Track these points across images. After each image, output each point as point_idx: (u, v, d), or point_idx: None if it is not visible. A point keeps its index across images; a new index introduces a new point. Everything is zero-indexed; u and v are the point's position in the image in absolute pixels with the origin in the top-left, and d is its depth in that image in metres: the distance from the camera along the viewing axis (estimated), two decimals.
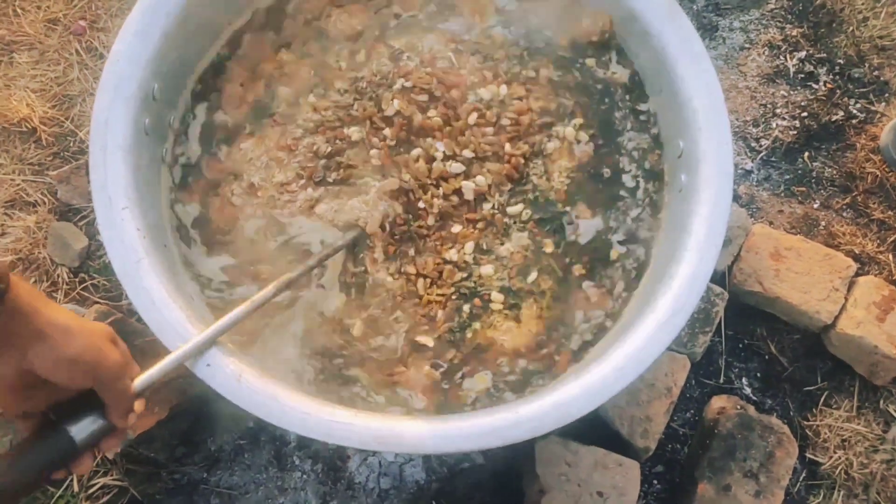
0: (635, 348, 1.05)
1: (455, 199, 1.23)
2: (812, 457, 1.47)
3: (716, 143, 1.15)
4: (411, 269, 1.19)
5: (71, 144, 1.68)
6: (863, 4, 1.86)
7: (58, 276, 1.55)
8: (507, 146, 1.25)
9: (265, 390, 0.97)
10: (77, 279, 1.55)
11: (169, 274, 1.06)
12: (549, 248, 1.22)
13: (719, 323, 1.50)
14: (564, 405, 1.00)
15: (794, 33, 1.84)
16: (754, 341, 1.55)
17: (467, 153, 1.24)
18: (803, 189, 1.70)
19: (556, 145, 1.27)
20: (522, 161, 1.24)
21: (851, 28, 1.83)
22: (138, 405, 0.84)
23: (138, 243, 1.04)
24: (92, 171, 1.07)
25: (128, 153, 1.10)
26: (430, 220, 1.21)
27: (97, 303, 1.49)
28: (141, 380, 0.83)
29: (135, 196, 1.08)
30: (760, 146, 1.74)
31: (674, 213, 1.21)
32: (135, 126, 1.11)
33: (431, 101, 1.27)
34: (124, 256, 1.02)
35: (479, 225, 1.22)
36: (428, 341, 1.15)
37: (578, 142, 1.27)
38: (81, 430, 0.78)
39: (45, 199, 1.61)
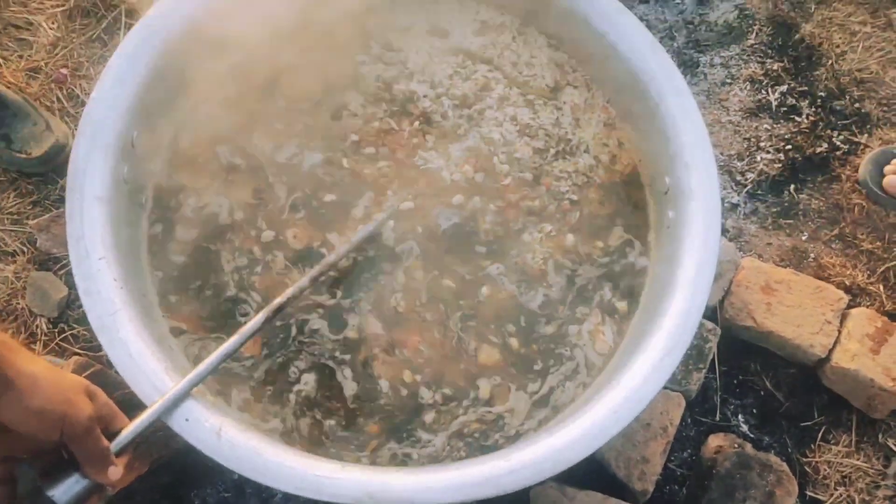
0: (631, 389, 1.02)
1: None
2: (812, 494, 1.43)
3: (702, 178, 1.15)
4: None
5: (51, 192, 1.64)
6: (840, 39, 1.87)
7: (36, 326, 1.50)
8: None
9: (248, 444, 0.93)
10: (56, 330, 1.50)
11: (147, 324, 1.03)
12: None
13: (713, 359, 1.47)
14: (560, 451, 0.97)
15: (775, 67, 1.85)
16: (749, 377, 1.52)
17: None
18: (791, 221, 1.69)
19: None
20: None
21: (831, 62, 1.85)
22: (119, 464, 0.80)
23: (115, 294, 1.01)
24: (69, 222, 1.04)
25: (106, 203, 1.07)
26: None
27: (77, 354, 1.45)
28: (116, 441, 0.79)
29: (112, 245, 1.05)
30: (746, 180, 1.73)
31: (662, 251, 1.20)
32: (113, 175, 1.09)
33: None
34: (100, 308, 0.99)
35: None
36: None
37: None
38: (63, 492, 0.74)
39: (24, 249, 1.57)
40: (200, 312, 1.15)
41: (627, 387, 1.02)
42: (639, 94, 1.23)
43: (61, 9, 1.82)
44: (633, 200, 1.29)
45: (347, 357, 1.14)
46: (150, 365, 0.96)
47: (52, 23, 1.82)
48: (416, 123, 1.29)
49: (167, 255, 1.18)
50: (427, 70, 1.35)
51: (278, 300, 1.02)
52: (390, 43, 1.37)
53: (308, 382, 1.12)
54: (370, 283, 1.19)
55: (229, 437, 0.92)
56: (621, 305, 1.21)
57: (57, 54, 1.79)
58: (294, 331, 1.15)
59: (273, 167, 1.24)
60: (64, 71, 1.76)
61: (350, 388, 1.12)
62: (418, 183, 1.25)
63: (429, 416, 1.11)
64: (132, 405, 0.93)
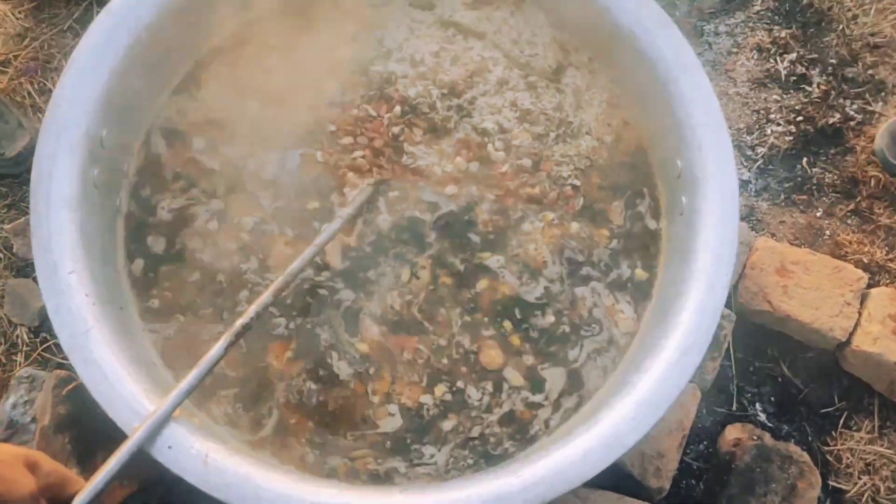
0: (647, 392, 0.94)
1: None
2: (836, 484, 1.37)
3: (717, 160, 1.06)
4: None
5: (27, 194, 1.55)
6: (851, 2, 1.77)
7: (17, 336, 1.43)
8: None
9: (237, 471, 0.86)
10: (38, 339, 1.43)
11: (124, 341, 0.95)
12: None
13: (728, 346, 1.40)
14: (574, 464, 0.90)
15: (783, 35, 1.76)
16: (766, 363, 1.44)
17: None
18: (804, 197, 1.60)
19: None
20: None
21: (842, 27, 1.75)
22: None
23: (87, 311, 0.93)
24: (34, 233, 0.96)
25: (75, 209, 0.99)
26: None
27: (60, 365, 1.37)
28: (83, 496, 0.71)
29: (83, 257, 0.97)
30: (756, 154, 1.64)
31: (675, 240, 1.11)
32: (81, 178, 1.01)
33: None
34: (71, 327, 0.91)
35: None
36: None
37: None
38: None
39: (0, 255, 1.49)
40: (186, 319, 1.07)
41: (643, 390, 0.94)
42: (646, 71, 1.13)
43: None
44: (641, 184, 1.20)
45: (341, 366, 1.06)
46: (128, 388, 0.88)
47: (19, 12, 1.72)
48: (397, 109, 1.19)
49: (147, 261, 1.09)
50: (406, 47, 1.25)
51: (241, 321, 0.94)
52: (365, 20, 1.27)
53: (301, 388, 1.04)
54: (360, 284, 1.11)
55: (217, 464, 0.85)
56: (633, 298, 1.13)
57: (26, 46, 1.69)
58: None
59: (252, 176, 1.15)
60: (33, 64, 1.66)
61: (340, 397, 1.05)
62: (405, 176, 1.17)
63: (448, 423, 1.04)
64: (114, 429, 0.86)
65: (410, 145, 1.18)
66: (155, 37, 1.11)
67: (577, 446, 0.91)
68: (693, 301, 0.99)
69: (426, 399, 1.05)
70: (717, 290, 0.99)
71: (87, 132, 1.03)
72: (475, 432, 1.04)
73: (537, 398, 1.06)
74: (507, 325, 1.10)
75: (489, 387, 1.07)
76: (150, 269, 1.10)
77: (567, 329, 1.10)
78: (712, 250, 1.01)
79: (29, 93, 1.64)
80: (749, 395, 1.43)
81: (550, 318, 1.11)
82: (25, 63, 1.67)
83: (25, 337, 1.42)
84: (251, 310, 0.95)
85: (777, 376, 1.44)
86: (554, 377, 1.08)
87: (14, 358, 1.41)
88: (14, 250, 1.48)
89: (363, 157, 1.16)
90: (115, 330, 0.95)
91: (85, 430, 1.20)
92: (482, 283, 1.12)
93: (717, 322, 0.99)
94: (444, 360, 1.07)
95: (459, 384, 1.06)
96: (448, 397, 1.05)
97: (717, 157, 1.06)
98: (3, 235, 1.50)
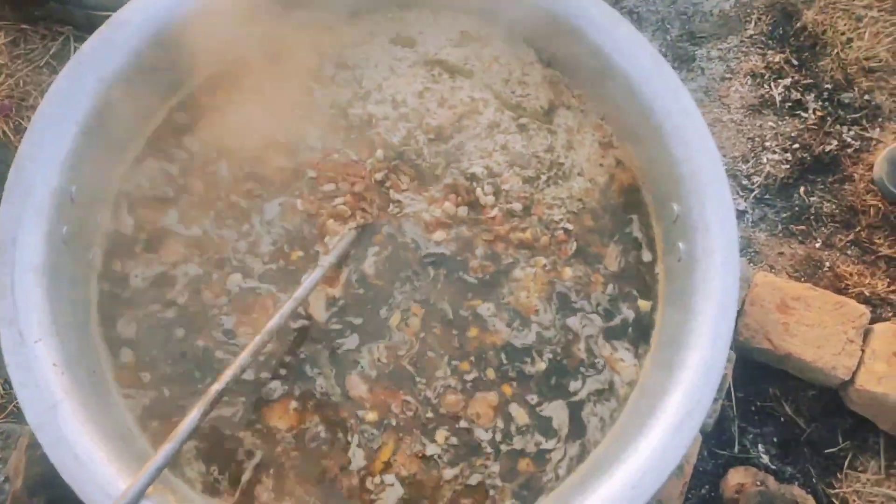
0: (649, 458, 0.89)
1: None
2: None
3: (716, 208, 1.02)
4: None
5: None
6: (845, 25, 1.74)
7: None
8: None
9: None
10: (12, 391, 1.36)
11: (97, 411, 0.90)
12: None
13: (729, 386, 1.36)
14: None
15: (777, 59, 1.72)
16: (767, 402, 1.40)
17: None
18: (803, 227, 1.56)
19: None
20: None
21: (836, 51, 1.71)
22: None
23: (55, 382, 0.88)
24: None
25: (42, 273, 0.93)
26: None
27: None
28: None
29: (51, 323, 0.92)
30: (752, 184, 1.60)
31: (674, 287, 1.07)
32: (49, 240, 0.95)
33: None
34: (39, 402, 0.86)
35: None
36: None
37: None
38: None
39: None
40: (163, 381, 1.01)
41: (644, 456, 0.89)
42: (640, 112, 1.09)
43: (3, 32, 1.66)
44: (636, 227, 1.16)
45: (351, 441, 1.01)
46: (100, 469, 0.83)
47: None
48: (379, 153, 1.14)
49: (123, 320, 1.04)
50: (386, 87, 1.20)
51: (216, 386, 0.88)
52: (344, 60, 1.22)
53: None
54: (344, 340, 1.06)
55: None
56: (630, 348, 1.08)
57: (1, 83, 1.64)
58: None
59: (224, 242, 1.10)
60: (8, 102, 1.61)
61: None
62: (391, 221, 1.12)
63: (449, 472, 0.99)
64: None
65: (396, 192, 1.13)
66: (125, 84, 1.05)
67: None
68: (696, 356, 0.95)
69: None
70: (720, 345, 0.94)
71: (54, 190, 0.97)
72: (473, 480, 0.99)
73: (537, 446, 1.02)
74: (495, 373, 1.05)
75: (481, 440, 1.02)
76: (126, 329, 1.04)
77: (558, 378, 1.05)
78: (714, 301, 0.96)
79: (4, 131, 1.59)
80: (751, 435, 1.38)
81: (542, 366, 1.06)
82: (0, 101, 1.61)
83: (1, 390, 1.36)
84: (227, 374, 0.90)
85: (779, 416, 1.40)
86: (557, 417, 1.04)
87: None
88: None
89: (344, 203, 1.11)
90: (87, 401, 0.90)
91: (60, 491, 1.14)
92: (472, 332, 1.07)
93: (720, 377, 0.94)
94: (431, 414, 1.02)
95: (452, 440, 1.01)
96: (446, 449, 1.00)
97: (715, 204, 1.01)
98: None
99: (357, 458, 0.99)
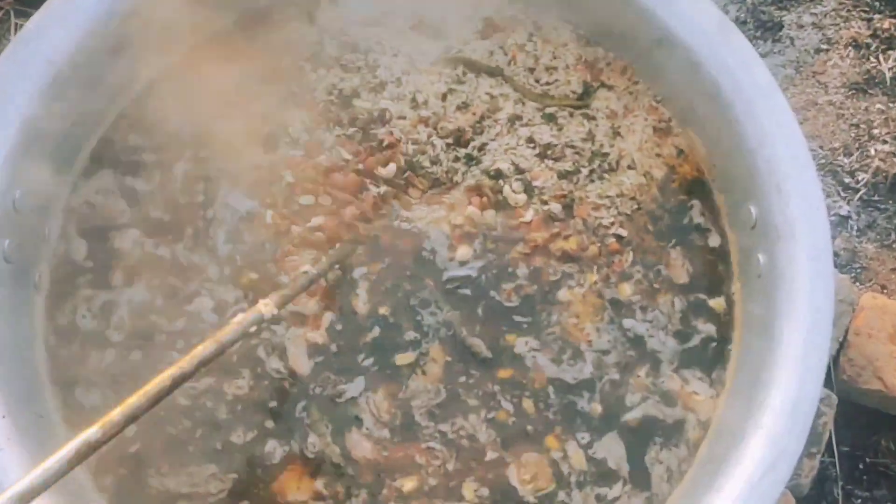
0: None
1: None
2: None
3: (801, 207, 1.03)
4: None
5: None
6: None
7: None
8: None
9: None
10: None
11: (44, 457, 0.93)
12: None
13: (829, 438, 1.35)
14: None
15: (886, 25, 1.73)
16: (878, 458, 1.41)
17: None
18: None
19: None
20: None
21: None
22: None
23: None
24: None
25: None
26: None
27: None
28: None
29: None
30: (857, 182, 1.61)
31: (753, 309, 1.07)
32: None
33: None
34: None
35: None
36: None
37: None
38: None
39: None
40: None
41: None
42: (704, 91, 1.11)
43: None
44: (705, 233, 1.17)
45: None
46: None
47: None
48: (383, 154, 1.18)
49: (73, 348, 1.08)
50: (408, 83, 1.23)
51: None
52: (353, 40, 1.26)
53: None
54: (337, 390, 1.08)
55: None
56: (702, 387, 1.09)
57: None
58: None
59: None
60: None
61: None
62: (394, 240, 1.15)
63: None
64: None
65: (404, 209, 1.16)
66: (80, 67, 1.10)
67: None
68: (780, 395, 0.96)
69: None
70: (810, 381, 0.95)
71: None
72: None
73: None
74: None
75: None
76: (76, 362, 1.08)
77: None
78: (802, 327, 0.97)
79: None
80: (859, 500, 1.38)
81: (598, 408, 1.07)
82: None
83: None
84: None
85: (894, 475, 1.39)
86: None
87: None
88: None
89: (321, 229, 1.13)
90: (32, 444, 0.95)
91: None
92: (504, 372, 1.09)
93: (810, 421, 0.95)
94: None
95: None
96: None
97: (802, 203, 1.03)
98: None
99: None
